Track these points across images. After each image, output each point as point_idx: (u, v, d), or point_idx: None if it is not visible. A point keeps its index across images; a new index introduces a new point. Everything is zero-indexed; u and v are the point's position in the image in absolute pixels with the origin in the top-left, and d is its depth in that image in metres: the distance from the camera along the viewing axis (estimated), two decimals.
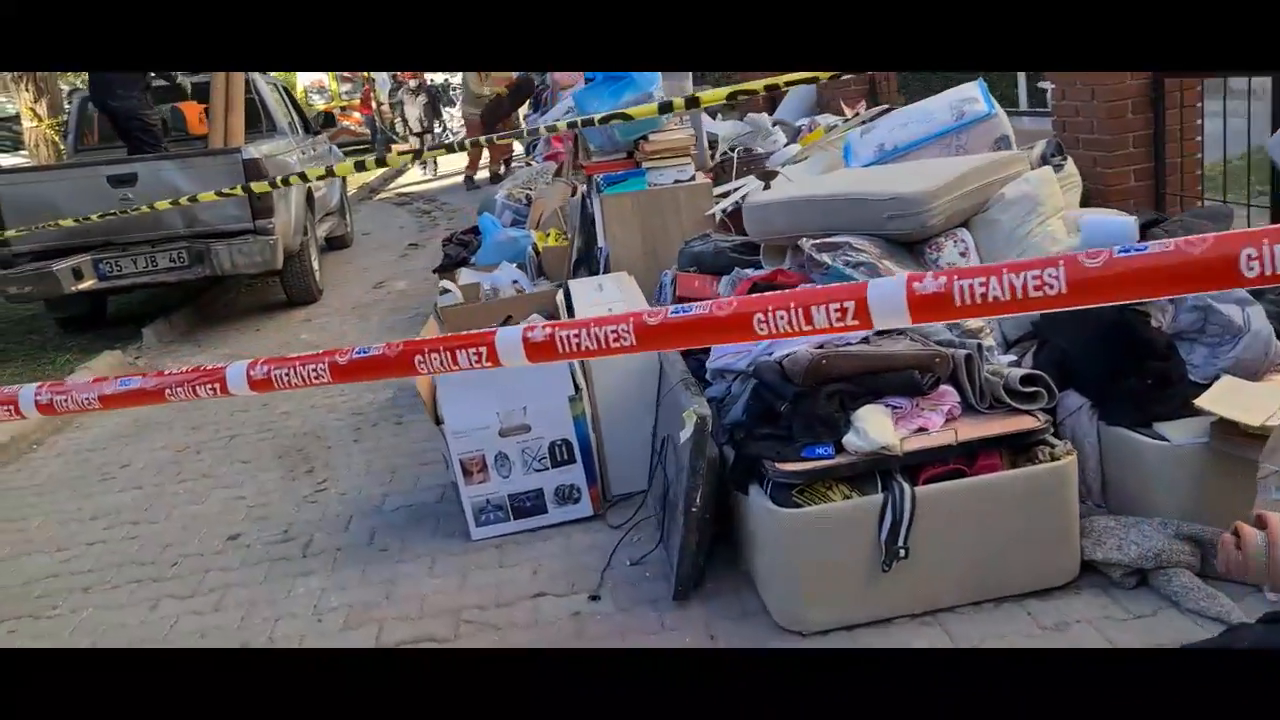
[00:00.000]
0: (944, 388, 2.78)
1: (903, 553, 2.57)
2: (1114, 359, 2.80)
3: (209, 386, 1.83)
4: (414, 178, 17.66)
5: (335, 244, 10.34)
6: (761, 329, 1.46)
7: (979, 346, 2.81)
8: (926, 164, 3.49)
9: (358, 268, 9.52)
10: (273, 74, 9.46)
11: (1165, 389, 2.77)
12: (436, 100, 18.83)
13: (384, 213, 13.36)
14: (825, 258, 2.96)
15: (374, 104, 24.01)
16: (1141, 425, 2.75)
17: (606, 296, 4.00)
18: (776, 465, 2.65)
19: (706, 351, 3.68)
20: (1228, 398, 2.62)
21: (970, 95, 3.83)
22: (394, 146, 22.61)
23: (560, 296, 3.98)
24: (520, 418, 3.44)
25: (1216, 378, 2.71)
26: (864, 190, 3.10)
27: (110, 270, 6.83)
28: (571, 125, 4.21)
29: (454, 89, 29.24)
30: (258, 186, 5.86)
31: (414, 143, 17.51)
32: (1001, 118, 3.76)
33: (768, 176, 4.09)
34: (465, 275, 6.16)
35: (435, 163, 16.89)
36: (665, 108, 3.93)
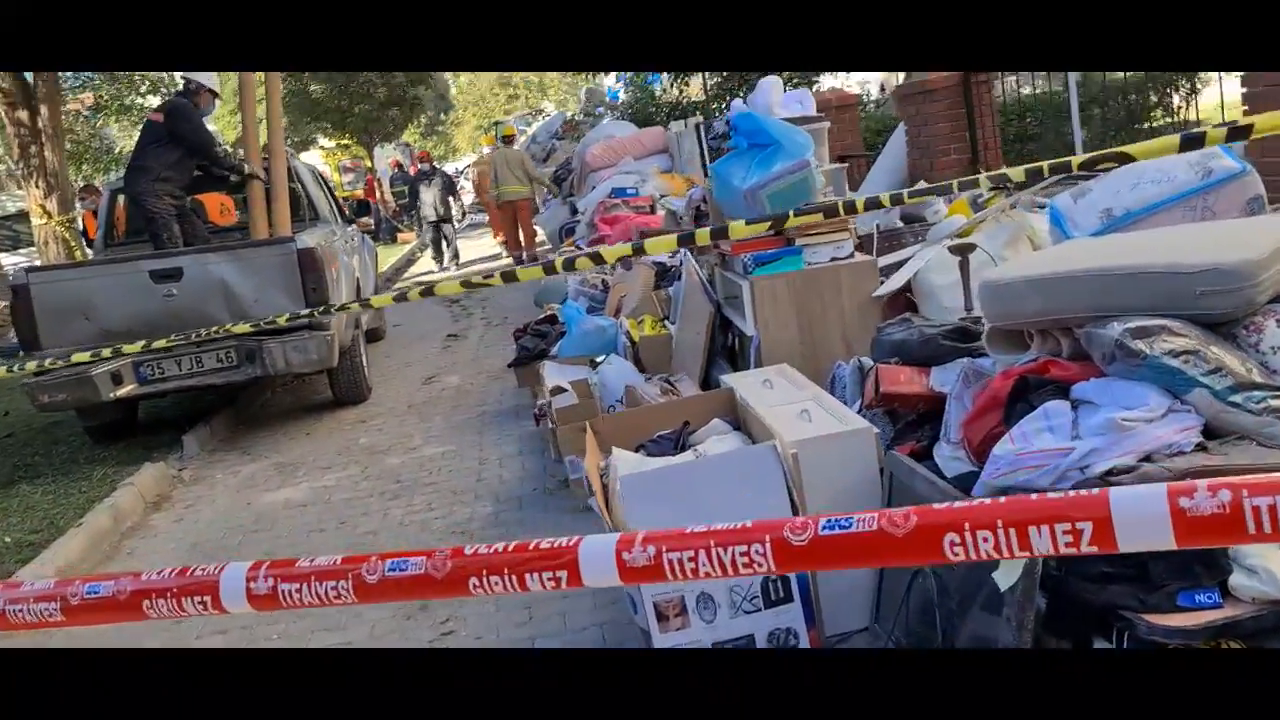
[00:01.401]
0: None
1: None
2: None
3: (549, 575, 1.22)
4: (426, 266, 17.14)
5: (370, 336, 9.74)
6: None
7: None
8: (1215, 227, 2.96)
9: (400, 362, 8.93)
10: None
11: None
12: (453, 186, 18.29)
13: (409, 303, 12.80)
14: (1140, 345, 2.39)
15: (378, 193, 23.73)
16: None
17: (783, 395, 3.42)
18: (1145, 618, 2.04)
19: (922, 452, 3.10)
20: None
21: (1210, 150, 3.32)
22: (400, 235, 22.27)
23: (738, 397, 3.39)
24: None
25: None
26: (1162, 262, 2.55)
27: (152, 373, 6.21)
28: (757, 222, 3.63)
29: (465, 174, 29.11)
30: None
31: (428, 232, 16.91)
32: (1254, 176, 3.24)
33: (964, 250, 3.55)
34: (551, 370, 5.59)
35: (457, 252, 16.25)
36: (851, 207, 3.39)
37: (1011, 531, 1.00)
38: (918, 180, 6.58)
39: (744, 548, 1.12)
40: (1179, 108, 12.33)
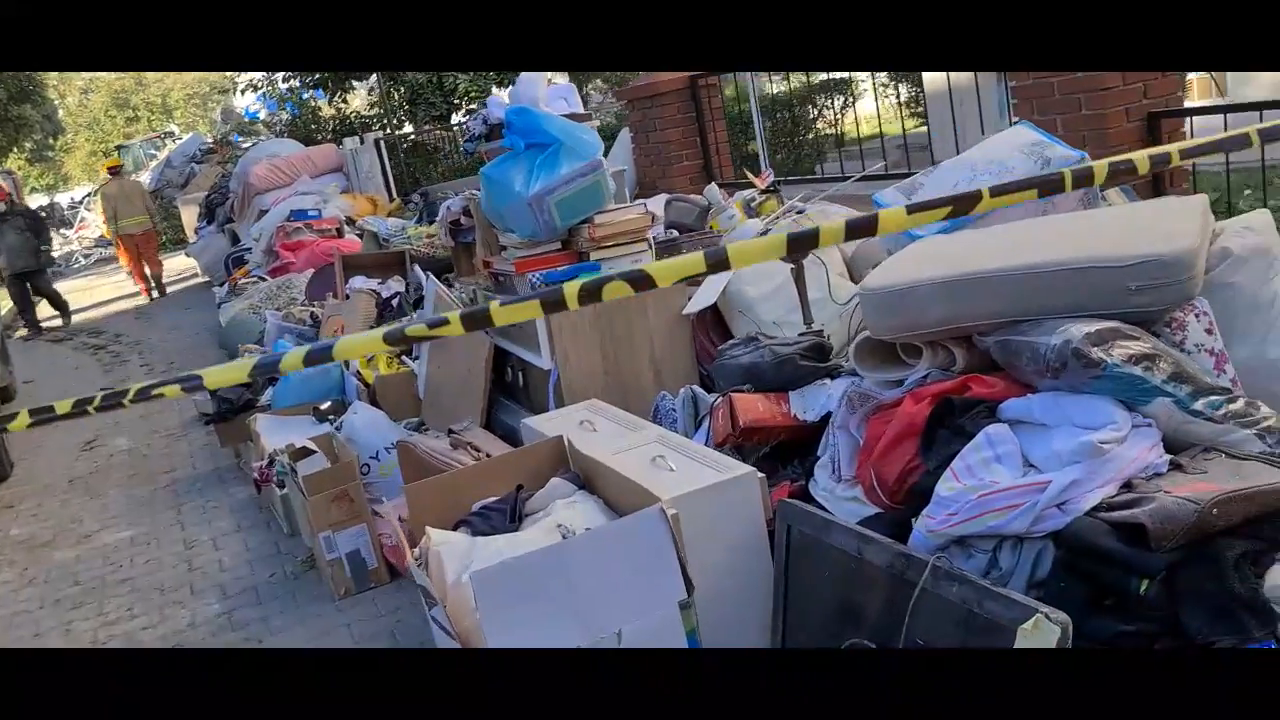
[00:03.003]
0: None
1: None
2: None
3: None
4: (49, 311, 14.44)
5: None
6: None
7: None
8: (1106, 215, 2.72)
9: (45, 427, 7.35)
10: None
11: None
12: (41, 228, 12.81)
13: (38, 353, 10.87)
14: (1099, 353, 2.05)
15: None
16: None
17: (617, 439, 2.84)
18: None
19: (799, 493, 2.64)
20: None
21: (1037, 140, 3.14)
22: None
23: (572, 447, 2.76)
24: (614, 646, 2.20)
25: None
26: (1088, 256, 2.25)
27: None
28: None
29: (85, 204, 25.59)
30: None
31: (10, 286, 12.31)
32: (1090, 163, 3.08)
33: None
34: (266, 425, 4.65)
35: (63, 305, 13.00)
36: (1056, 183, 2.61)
37: None
38: (649, 189, 6.19)
39: None
40: (836, 119, 13.16)
